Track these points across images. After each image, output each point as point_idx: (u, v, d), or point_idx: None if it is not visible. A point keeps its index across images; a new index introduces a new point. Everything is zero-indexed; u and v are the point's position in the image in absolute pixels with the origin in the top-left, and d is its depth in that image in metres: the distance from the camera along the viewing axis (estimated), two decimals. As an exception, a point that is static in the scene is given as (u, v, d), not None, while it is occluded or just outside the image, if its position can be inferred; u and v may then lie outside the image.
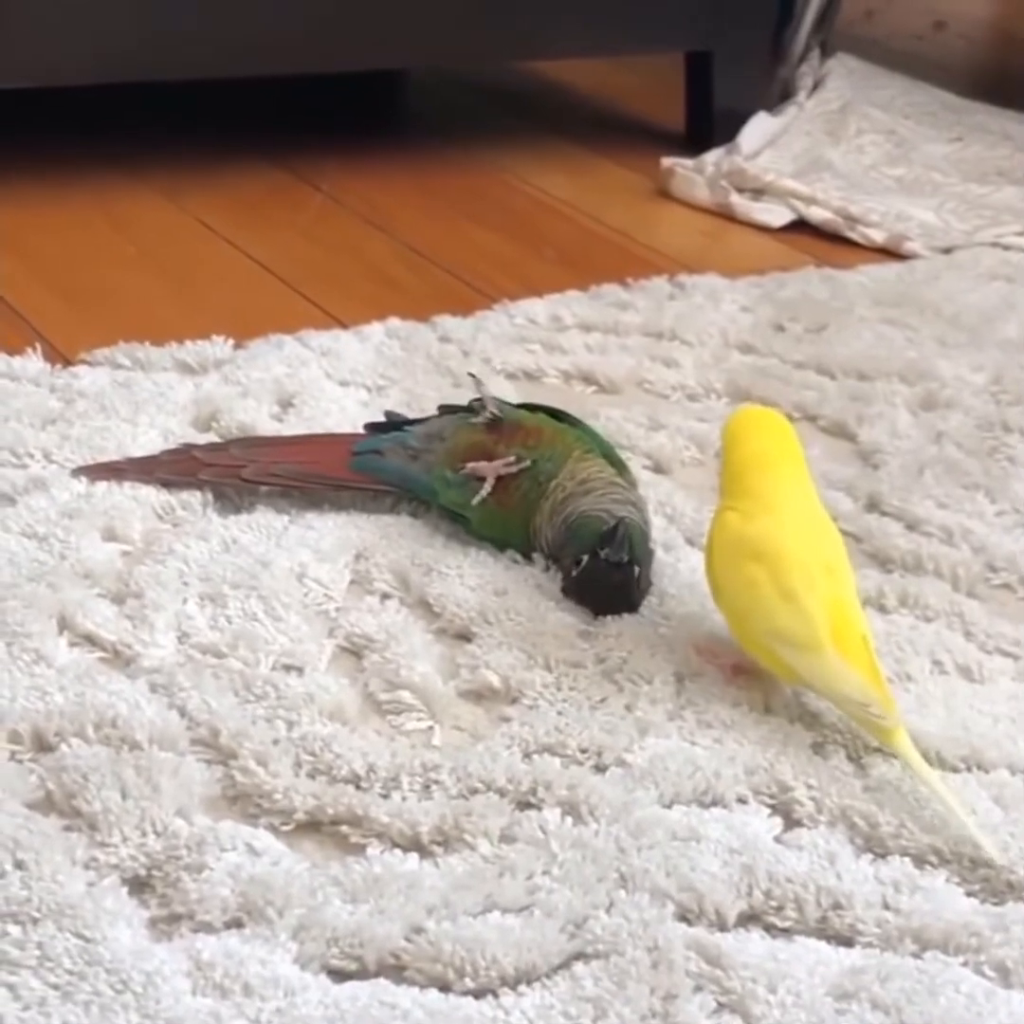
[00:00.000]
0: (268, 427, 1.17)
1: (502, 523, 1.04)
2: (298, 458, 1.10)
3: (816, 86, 2.17)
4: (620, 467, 1.06)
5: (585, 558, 0.98)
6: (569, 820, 0.81)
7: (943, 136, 2.09)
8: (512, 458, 1.05)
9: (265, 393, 1.21)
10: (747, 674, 0.94)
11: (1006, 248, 1.72)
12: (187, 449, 1.11)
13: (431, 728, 0.89)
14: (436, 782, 0.83)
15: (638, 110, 2.08)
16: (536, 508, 1.03)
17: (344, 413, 1.20)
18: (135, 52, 1.56)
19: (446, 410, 1.12)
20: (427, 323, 1.37)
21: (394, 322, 1.36)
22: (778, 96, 2.13)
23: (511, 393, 1.26)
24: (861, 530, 1.13)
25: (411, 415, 1.18)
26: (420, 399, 1.23)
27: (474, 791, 0.82)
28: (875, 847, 0.82)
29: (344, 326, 1.36)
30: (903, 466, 1.22)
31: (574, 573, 0.99)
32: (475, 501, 1.04)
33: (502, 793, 0.82)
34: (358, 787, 0.82)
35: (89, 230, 1.53)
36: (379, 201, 1.68)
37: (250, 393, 1.20)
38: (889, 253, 1.71)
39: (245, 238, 1.54)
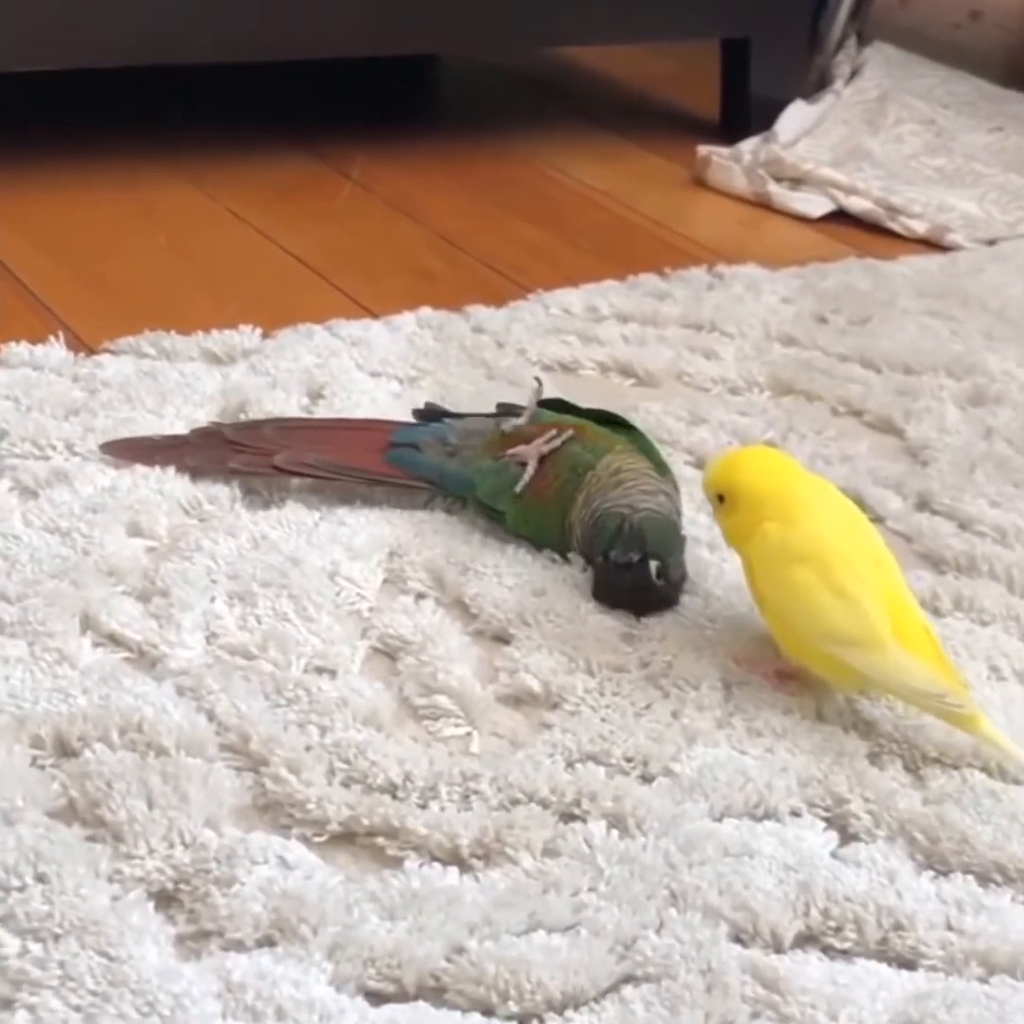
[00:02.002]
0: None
1: (539, 518, 1.00)
2: (333, 447, 1.06)
3: (853, 74, 2.13)
4: (663, 470, 1.02)
5: (600, 560, 0.94)
6: (615, 833, 0.77)
7: (983, 126, 2.05)
8: (553, 432, 1.01)
9: (294, 384, 1.17)
10: (793, 679, 0.90)
11: (1052, 240, 1.68)
12: (218, 429, 1.08)
13: (469, 734, 0.85)
14: (476, 792, 0.79)
15: (673, 97, 2.04)
16: (572, 502, 0.99)
17: (375, 405, 1.16)
18: (165, 35, 1.53)
19: (504, 410, 1.08)
20: (460, 313, 1.33)
21: (426, 312, 1.32)
22: (815, 84, 2.09)
23: (548, 383, 1.22)
24: (912, 529, 1.09)
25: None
26: (453, 391, 1.19)
27: (515, 802, 0.79)
28: (936, 864, 0.79)
29: (375, 316, 1.32)
30: (953, 463, 1.18)
31: (596, 576, 0.96)
32: (518, 487, 1.00)
33: (545, 804, 0.79)
34: (394, 797, 0.78)
35: (116, 218, 1.50)
36: (410, 190, 1.64)
37: (279, 384, 1.16)
38: (930, 244, 1.67)
39: (274, 226, 1.50)
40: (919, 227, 1.69)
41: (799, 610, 0.86)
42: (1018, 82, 2.23)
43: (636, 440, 1.04)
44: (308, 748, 0.80)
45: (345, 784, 0.79)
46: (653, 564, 0.93)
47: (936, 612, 1.00)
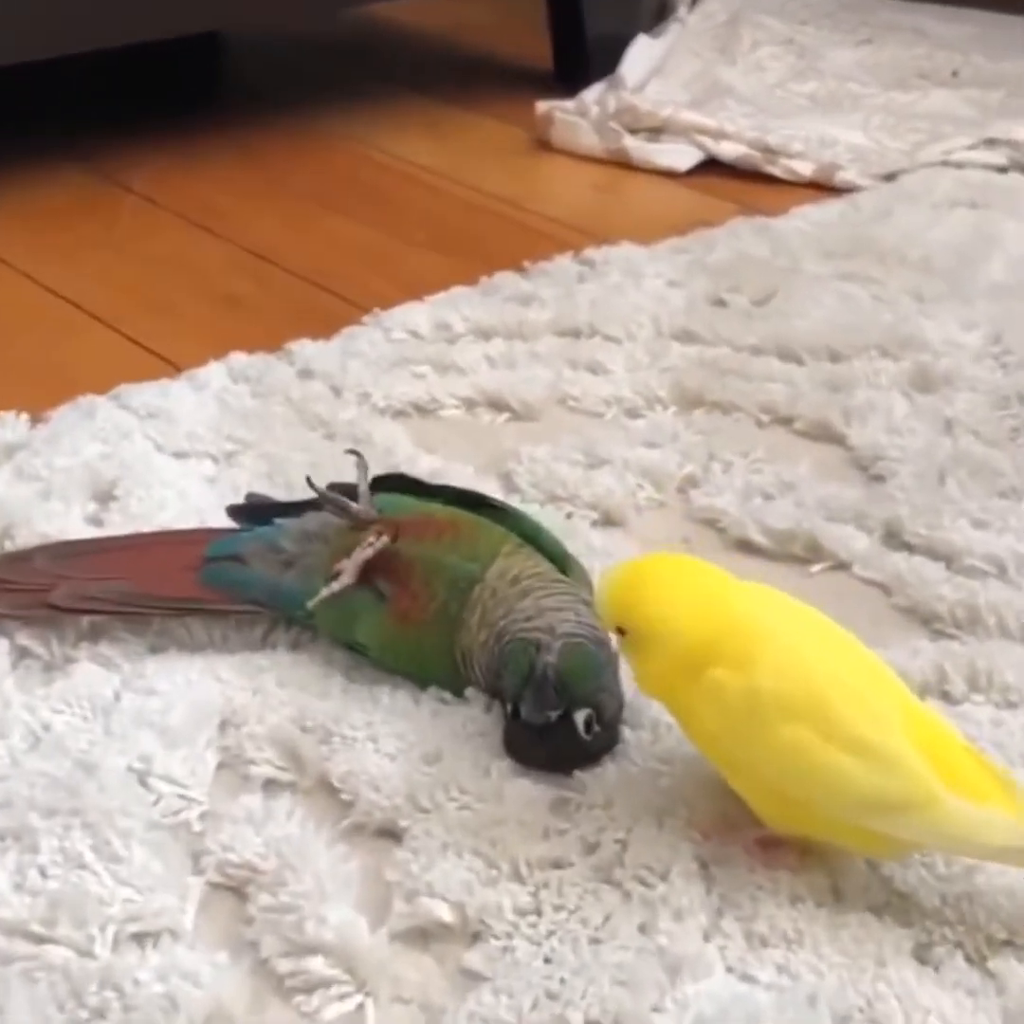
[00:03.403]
0: (82, 534, 0.86)
1: (414, 648, 0.75)
2: (129, 571, 0.80)
3: (696, -3, 1.89)
4: (562, 561, 0.77)
5: (510, 709, 0.70)
6: None
7: (849, 39, 1.83)
8: (371, 539, 0.76)
9: (74, 487, 0.89)
10: (786, 848, 0.65)
11: (959, 167, 1.45)
12: None
13: (361, 1007, 0.60)
14: None
15: (498, 49, 1.78)
16: (462, 624, 0.74)
17: (185, 499, 0.90)
18: None
19: (340, 491, 0.82)
20: (281, 354, 1.07)
21: (239, 358, 1.05)
22: (655, 14, 1.84)
23: (402, 437, 0.97)
24: (888, 577, 0.85)
25: (272, 491, 0.89)
26: (283, 465, 0.93)
27: None
28: (1048, 1124, 0.55)
29: (176, 369, 1.05)
30: (917, 474, 0.94)
31: (508, 725, 0.71)
32: (311, 603, 0.75)
33: None
34: None
35: None
36: (206, 196, 1.37)
37: (54, 490, 0.89)
38: (820, 187, 1.44)
39: (43, 265, 1.22)
40: (804, 168, 1.46)
41: (806, 782, 0.61)
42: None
43: (518, 523, 0.79)
44: (127, 1097, 0.55)
45: None
46: (581, 714, 0.68)
47: (947, 698, 0.76)
